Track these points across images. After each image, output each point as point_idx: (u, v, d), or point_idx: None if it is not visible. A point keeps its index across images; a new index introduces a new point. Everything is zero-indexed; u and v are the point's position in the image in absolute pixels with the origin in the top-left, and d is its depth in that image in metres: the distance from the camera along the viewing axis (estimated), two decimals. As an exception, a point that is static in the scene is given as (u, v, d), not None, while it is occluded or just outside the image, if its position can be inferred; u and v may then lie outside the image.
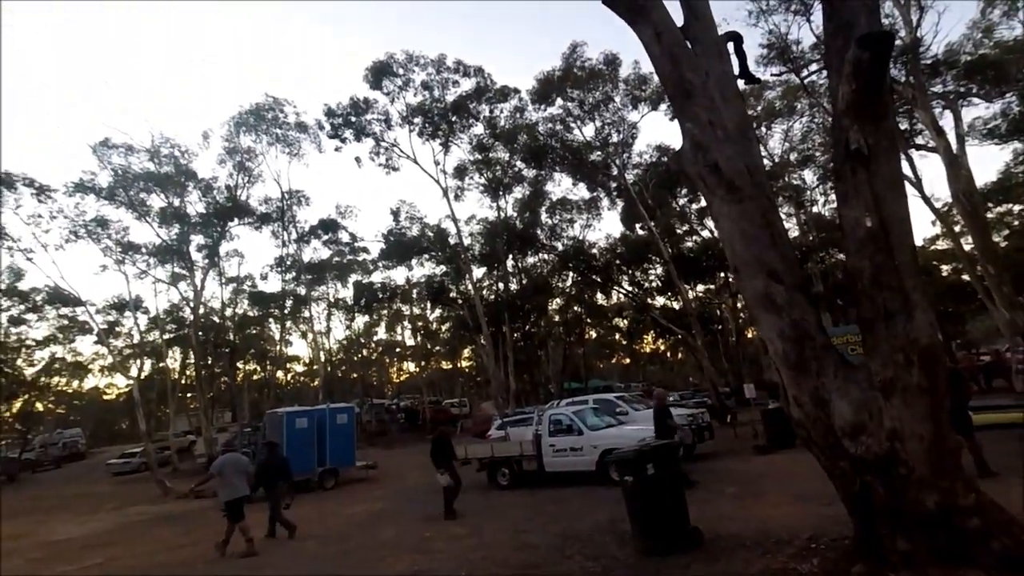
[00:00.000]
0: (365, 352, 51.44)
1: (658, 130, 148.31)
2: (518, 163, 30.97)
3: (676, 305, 36.57)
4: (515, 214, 33.93)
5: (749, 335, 43.99)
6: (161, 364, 37.65)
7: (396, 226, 33.60)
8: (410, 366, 57.55)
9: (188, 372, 41.27)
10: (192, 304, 28.02)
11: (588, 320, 44.04)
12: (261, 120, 28.75)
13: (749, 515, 7.07)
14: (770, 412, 13.59)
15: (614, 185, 31.38)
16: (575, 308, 41.16)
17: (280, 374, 45.21)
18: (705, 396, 23.12)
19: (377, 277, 38.19)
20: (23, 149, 66.29)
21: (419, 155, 31.45)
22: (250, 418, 34.63)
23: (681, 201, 35.22)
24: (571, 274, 34.96)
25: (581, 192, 33.35)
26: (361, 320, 44.48)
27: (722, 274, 35.01)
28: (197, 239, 28.38)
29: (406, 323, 48.01)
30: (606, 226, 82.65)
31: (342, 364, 47.99)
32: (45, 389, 42.92)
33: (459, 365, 54.61)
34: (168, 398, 34.08)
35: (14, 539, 12.35)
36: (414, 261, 34.84)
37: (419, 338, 46.75)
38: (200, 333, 29.89)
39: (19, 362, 36.86)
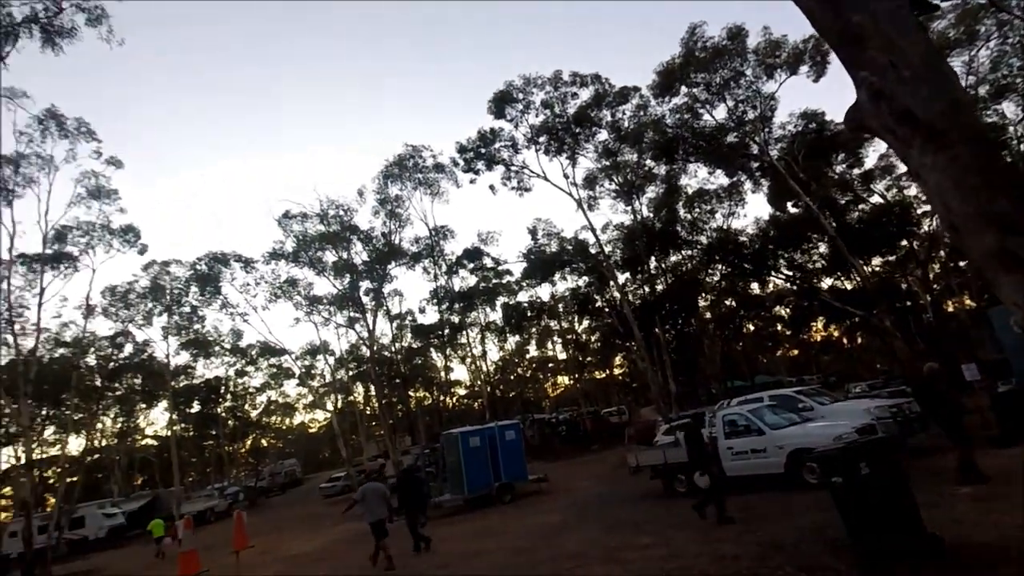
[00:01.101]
0: (520, 370, 53.19)
1: (800, 96, 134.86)
2: (648, 161, 30.07)
3: (848, 284, 32.41)
4: (651, 214, 32.91)
5: (950, 308, 37.14)
6: (350, 398, 42.90)
7: (535, 244, 34.42)
8: (564, 379, 58.24)
9: (371, 403, 46.43)
10: (367, 342, 31.52)
11: (744, 313, 40.77)
12: (404, 169, 31.72)
13: (1000, 520, 5.89)
14: (1004, 396, 11.26)
15: (755, 165, 28.93)
16: (728, 301, 38.43)
17: (446, 398, 48.67)
18: (902, 383, 19.81)
19: (523, 297, 39.54)
20: (233, 232, 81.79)
21: (548, 172, 32.14)
22: (426, 439, 37.62)
23: (839, 168, 31.34)
24: (719, 267, 32.79)
25: (719, 180, 31.32)
26: (512, 340, 46.20)
27: (904, 241, 30.29)
28: (364, 284, 31.98)
29: (556, 338, 48.85)
30: (752, 210, 75.99)
31: (500, 383, 50.11)
32: (266, 427, 51.83)
33: (612, 373, 53.83)
34: (358, 427, 38.57)
35: (263, 554, 14.78)
36: (556, 276, 35.38)
37: (570, 351, 47.14)
38: (376, 367, 33.45)
39: (246, 407, 45.06)
